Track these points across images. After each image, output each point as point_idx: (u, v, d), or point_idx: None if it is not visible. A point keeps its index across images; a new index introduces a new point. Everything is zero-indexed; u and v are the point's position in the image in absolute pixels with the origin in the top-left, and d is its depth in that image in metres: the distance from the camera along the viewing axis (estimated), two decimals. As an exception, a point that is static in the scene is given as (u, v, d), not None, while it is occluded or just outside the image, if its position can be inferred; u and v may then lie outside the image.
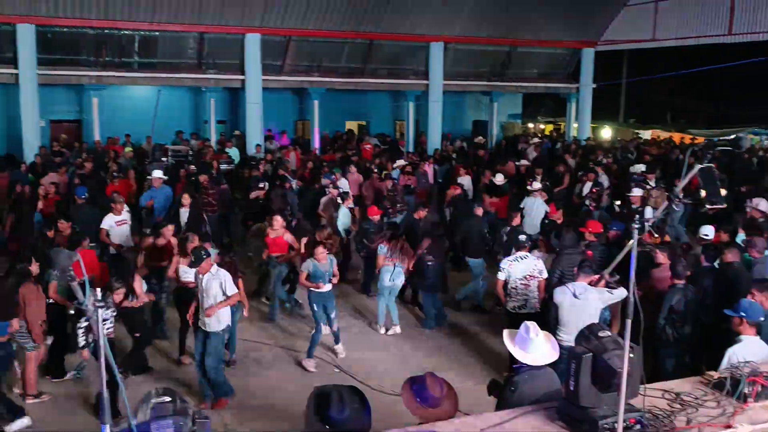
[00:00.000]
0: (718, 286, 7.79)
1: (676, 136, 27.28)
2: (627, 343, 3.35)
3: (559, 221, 11.62)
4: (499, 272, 8.76)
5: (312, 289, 8.93)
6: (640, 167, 15.74)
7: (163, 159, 18.19)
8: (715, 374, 4.83)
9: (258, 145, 20.95)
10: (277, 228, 10.43)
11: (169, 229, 9.90)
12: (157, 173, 13.18)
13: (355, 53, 23.39)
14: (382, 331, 10.23)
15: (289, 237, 10.48)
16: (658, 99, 30.68)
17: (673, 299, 7.37)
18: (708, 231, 9.20)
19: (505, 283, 8.73)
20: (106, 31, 19.81)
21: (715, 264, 8.26)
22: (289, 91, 25.94)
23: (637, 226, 3.19)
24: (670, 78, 28.00)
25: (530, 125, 32.33)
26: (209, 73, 21.68)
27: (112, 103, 22.66)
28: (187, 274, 8.59)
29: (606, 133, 29.89)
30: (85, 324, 7.27)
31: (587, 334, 4.15)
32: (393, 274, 10.03)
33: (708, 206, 3.05)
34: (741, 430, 4.15)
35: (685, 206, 11.70)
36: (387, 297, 10.19)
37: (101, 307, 2.73)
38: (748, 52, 21.72)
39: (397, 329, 10.23)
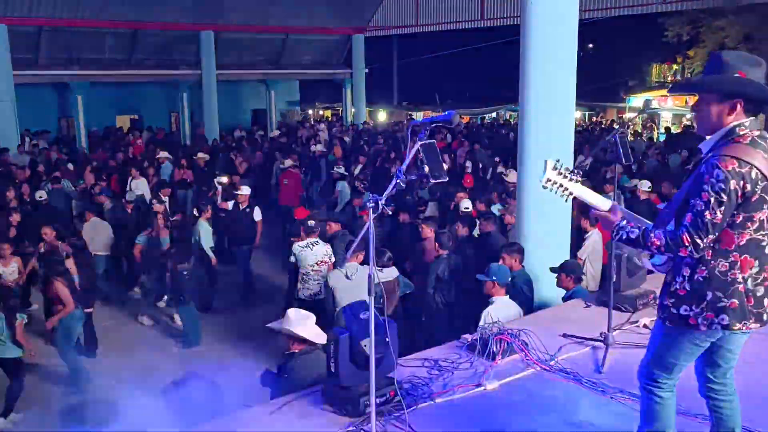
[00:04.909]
0: (478, 253, 8.35)
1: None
2: (372, 318, 3.42)
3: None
4: (291, 257, 8.66)
5: None
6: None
7: None
8: (469, 337, 5.16)
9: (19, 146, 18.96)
10: None
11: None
12: None
13: (118, 43, 22.11)
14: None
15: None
16: (427, 81, 32.45)
17: (438, 269, 7.77)
18: (467, 204, 9.87)
19: (297, 270, 8.61)
20: None
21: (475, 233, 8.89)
22: (48, 87, 23.82)
23: (371, 204, 3.25)
24: (437, 61, 29.71)
25: (309, 111, 32.71)
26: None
27: None
28: None
29: (381, 116, 31.07)
30: None
31: (350, 313, 4.24)
32: None
33: (432, 180, 3.16)
34: (490, 387, 4.47)
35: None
36: None
37: None
38: (503, 36, 23.65)
39: None
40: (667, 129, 24.98)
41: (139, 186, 13.14)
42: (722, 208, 2.82)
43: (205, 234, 10.53)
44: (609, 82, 32.89)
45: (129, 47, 22.31)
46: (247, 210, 11.12)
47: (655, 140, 22.08)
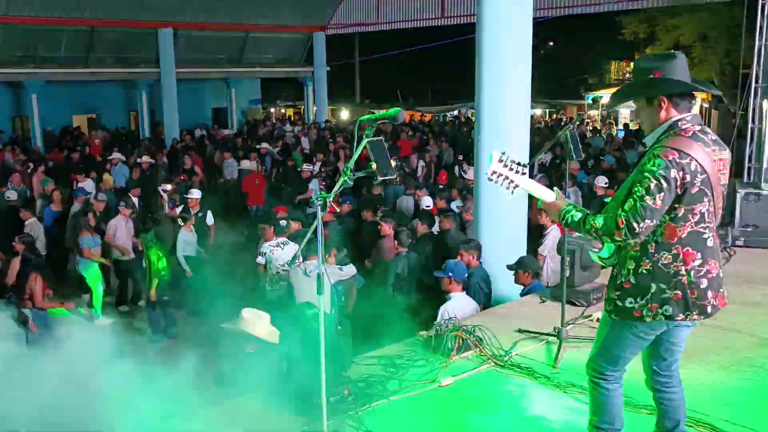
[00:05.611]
0: (437, 250, 8.36)
1: (406, 114, 29.12)
2: (322, 318, 3.40)
3: None
4: (259, 257, 8.48)
5: None
6: None
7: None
8: (425, 333, 5.17)
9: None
10: None
11: None
12: None
13: (75, 41, 21.65)
14: None
15: None
16: (389, 79, 32.49)
17: (398, 266, 7.77)
18: (428, 202, 9.89)
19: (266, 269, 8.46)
20: None
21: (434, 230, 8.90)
22: (2, 85, 23.25)
23: (319, 203, 3.23)
24: (399, 59, 29.74)
25: (271, 110, 32.52)
26: None
27: None
28: None
29: (344, 114, 31.01)
30: None
31: (296, 312, 4.22)
32: None
33: (380, 177, 3.15)
34: (445, 383, 4.48)
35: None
36: None
37: None
38: (464, 33, 23.74)
39: None
40: (626, 125, 25.36)
41: (86, 188, 12.56)
42: (661, 194, 2.88)
43: (182, 244, 10.14)
44: (570, 79, 33.34)
45: (86, 45, 21.86)
46: (199, 215, 10.73)
47: (614, 136, 22.38)
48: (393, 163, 3.25)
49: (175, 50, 22.57)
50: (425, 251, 8.37)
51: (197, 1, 21.82)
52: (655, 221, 2.93)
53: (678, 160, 2.88)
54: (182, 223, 10.28)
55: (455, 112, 30.30)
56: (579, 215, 3.10)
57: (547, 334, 5.16)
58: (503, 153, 3.22)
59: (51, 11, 19.70)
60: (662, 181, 2.87)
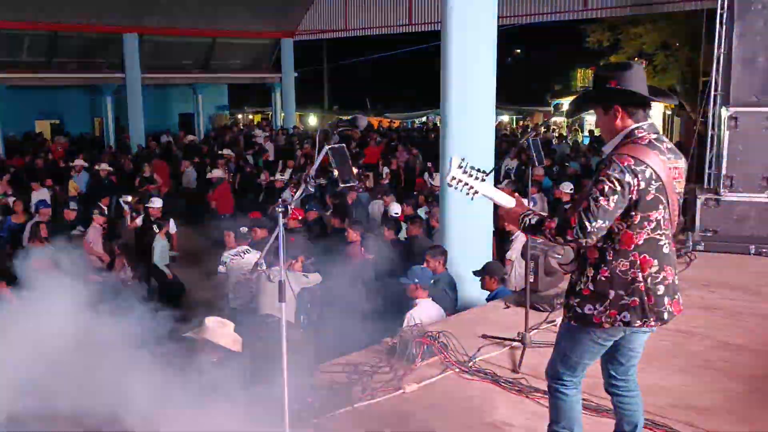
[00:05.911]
0: (405, 257, 8.36)
1: (374, 120, 29.16)
2: (283, 325, 3.38)
3: None
4: (219, 266, 8.39)
5: None
6: None
7: None
8: (390, 340, 5.17)
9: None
10: None
11: None
12: None
13: (37, 45, 21.30)
14: None
15: None
16: (358, 85, 32.52)
17: (364, 273, 7.75)
18: (396, 209, 9.90)
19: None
20: None
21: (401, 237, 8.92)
22: (-38, 90, 22.80)
23: (281, 209, 3.21)
24: (368, 65, 29.81)
25: (239, 116, 32.34)
26: None
27: None
28: None
29: (312, 120, 30.95)
30: None
31: (259, 322, 4.20)
32: None
33: (342, 185, 3.14)
34: (409, 389, 4.49)
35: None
36: None
37: None
38: (431, 40, 23.88)
39: None
40: (591, 132, 25.69)
41: (43, 197, 12.21)
42: (615, 196, 2.93)
43: (160, 250, 10.07)
44: (536, 86, 33.71)
45: (49, 49, 21.55)
46: (161, 223, 10.54)
47: (579, 143, 22.66)
48: (355, 170, 3.25)
49: (140, 55, 22.33)
50: (392, 257, 8.37)
51: (163, 6, 21.60)
52: (607, 222, 2.96)
53: (633, 167, 2.93)
54: (158, 230, 10.22)
55: (423, 119, 30.47)
56: (536, 218, 3.14)
57: (511, 339, 5.20)
58: (463, 159, 3.22)
59: (13, 14, 19.35)
60: (616, 184, 2.92)
